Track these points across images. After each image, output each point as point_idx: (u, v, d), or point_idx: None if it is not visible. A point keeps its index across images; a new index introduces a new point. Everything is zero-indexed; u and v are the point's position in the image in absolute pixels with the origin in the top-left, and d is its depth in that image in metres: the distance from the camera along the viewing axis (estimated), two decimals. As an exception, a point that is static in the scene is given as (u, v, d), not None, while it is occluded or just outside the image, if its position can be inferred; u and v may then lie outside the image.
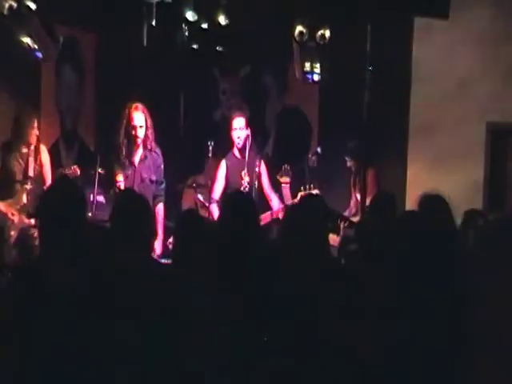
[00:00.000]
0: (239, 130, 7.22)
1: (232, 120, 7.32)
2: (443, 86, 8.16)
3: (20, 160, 6.90)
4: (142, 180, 6.81)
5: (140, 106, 6.84)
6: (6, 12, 6.58)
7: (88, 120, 8.93)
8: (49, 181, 6.97)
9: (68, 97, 8.73)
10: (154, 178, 6.87)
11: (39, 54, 6.96)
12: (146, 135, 6.81)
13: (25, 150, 6.89)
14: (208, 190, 7.25)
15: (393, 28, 7.70)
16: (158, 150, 6.96)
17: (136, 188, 6.64)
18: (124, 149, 6.79)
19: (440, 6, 6.95)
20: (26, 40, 6.80)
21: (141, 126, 6.77)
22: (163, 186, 7.03)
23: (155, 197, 6.91)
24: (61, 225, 3.31)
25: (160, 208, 6.95)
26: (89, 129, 8.94)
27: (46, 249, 3.37)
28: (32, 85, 8.13)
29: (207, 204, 7.20)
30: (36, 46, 6.85)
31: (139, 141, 6.78)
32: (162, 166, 7.00)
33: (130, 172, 6.82)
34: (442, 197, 4.65)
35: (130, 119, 6.76)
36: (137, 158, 6.85)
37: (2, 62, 7.44)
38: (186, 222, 4.18)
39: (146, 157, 6.84)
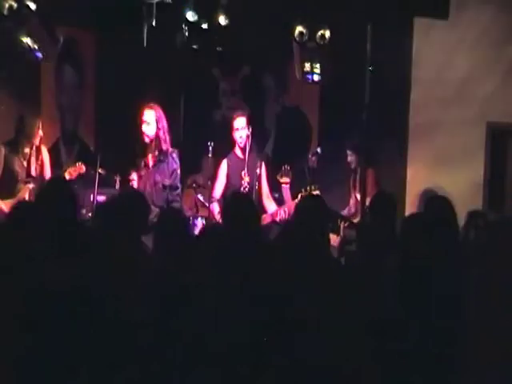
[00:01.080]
0: (241, 129, 7.21)
1: (233, 120, 7.31)
2: (443, 86, 8.16)
3: (23, 160, 6.93)
4: (155, 183, 6.69)
5: (154, 105, 6.78)
6: (6, 12, 6.59)
7: (88, 120, 8.93)
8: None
9: (68, 97, 8.74)
10: (167, 182, 6.71)
11: (39, 54, 6.97)
12: (157, 135, 6.69)
13: (27, 150, 6.92)
14: (208, 189, 7.25)
15: (393, 28, 7.70)
16: (175, 155, 6.83)
17: (148, 190, 6.59)
18: (137, 148, 6.73)
19: (440, 6, 6.96)
20: (26, 40, 6.81)
21: (148, 123, 6.69)
22: (178, 191, 6.88)
23: (169, 202, 6.74)
24: (48, 224, 3.31)
25: None
26: (89, 129, 8.94)
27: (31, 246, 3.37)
28: (32, 85, 8.14)
29: (207, 204, 7.20)
30: (36, 46, 6.86)
31: (148, 139, 6.68)
32: (179, 171, 6.85)
33: (143, 173, 6.73)
34: (446, 198, 4.66)
35: (141, 117, 6.71)
36: (151, 160, 6.75)
37: (2, 61, 7.44)
38: (166, 221, 4.18)
39: (160, 160, 6.73)
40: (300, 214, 4.13)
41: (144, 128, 6.70)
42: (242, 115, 7.27)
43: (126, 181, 6.73)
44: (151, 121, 6.71)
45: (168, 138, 6.79)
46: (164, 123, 6.76)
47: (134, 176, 6.67)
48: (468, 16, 7.94)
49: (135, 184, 6.64)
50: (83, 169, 6.90)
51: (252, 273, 3.65)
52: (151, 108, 6.75)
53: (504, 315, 3.17)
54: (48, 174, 7.08)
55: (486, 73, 8.05)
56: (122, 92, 8.18)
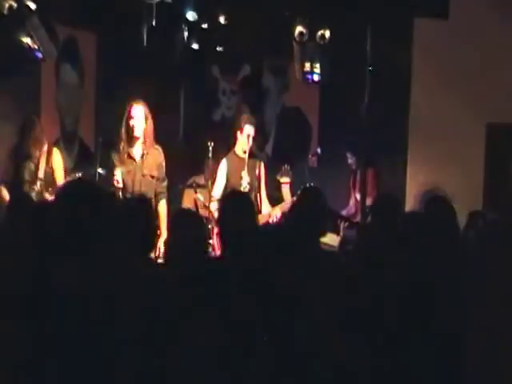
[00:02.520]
0: (250, 136, 7.18)
1: (243, 122, 7.23)
2: (443, 86, 8.16)
3: (30, 162, 6.91)
4: (143, 175, 6.74)
5: (141, 101, 6.81)
6: (6, 12, 6.59)
7: (88, 120, 8.93)
8: (60, 184, 6.95)
9: (68, 97, 8.74)
10: (155, 174, 6.80)
11: (39, 54, 6.97)
12: (145, 130, 6.75)
13: (35, 152, 6.90)
14: (208, 189, 7.26)
15: (393, 28, 7.70)
16: (159, 148, 6.91)
17: (137, 183, 6.65)
18: (123, 143, 6.73)
19: (440, 6, 6.96)
20: (26, 40, 6.81)
21: (138, 118, 6.70)
22: (165, 183, 6.94)
23: (157, 194, 6.82)
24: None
25: (162, 205, 6.87)
26: (89, 129, 8.94)
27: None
28: (32, 85, 8.14)
29: (207, 204, 7.20)
30: (36, 46, 6.86)
31: (137, 134, 6.71)
32: (164, 164, 6.91)
33: (130, 167, 6.74)
34: (446, 198, 4.66)
35: (129, 112, 6.70)
36: (137, 154, 6.78)
37: (2, 62, 7.45)
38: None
39: (147, 153, 6.78)
40: (298, 208, 4.12)
41: (132, 123, 6.70)
42: (252, 123, 7.21)
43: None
44: (140, 116, 6.73)
45: (152, 133, 6.82)
46: (150, 119, 6.79)
47: (118, 171, 6.64)
48: (468, 16, 7.94)
49: (119, 179, 6.61)
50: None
51: (250, 272, 3.65)
52: (139, 103, 6.75)
53: (504, 315, 3.17)
54: (60, 177, 7.03)
55: (485, 73, 8.05)
56: (122, 92, 8.18)
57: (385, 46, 7.33)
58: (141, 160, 6.76)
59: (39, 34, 6.81)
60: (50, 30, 6.92)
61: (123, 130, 6.71)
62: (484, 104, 8.05)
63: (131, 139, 6.74)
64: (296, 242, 3.89)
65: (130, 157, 6.75)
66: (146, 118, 6.76)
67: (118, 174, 6.61)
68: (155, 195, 6.78)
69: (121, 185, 6.58)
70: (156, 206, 6.74)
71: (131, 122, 6.68)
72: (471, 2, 7.97)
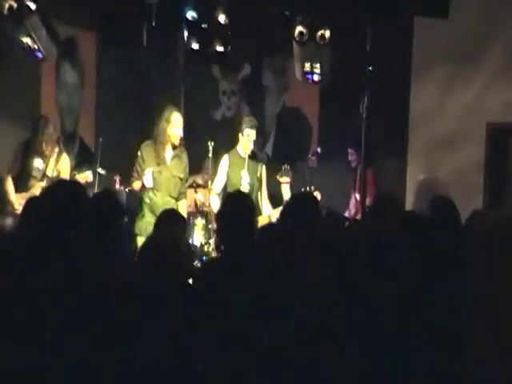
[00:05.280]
0: (252, 141, 7.24)
1: (244, 125, 7.25)
2: (443, 86, 8.16)
3: (40, 159, 7.07)
4: (173, 177, 6.97)
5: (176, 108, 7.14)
6: (5, 12, 6.60)
7: (88, 120, 8.94)
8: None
9: (68, 97, 8.75)
10: (182, 176, 7.04)
11: (39, 54, 6.98)
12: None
13: (46, 151, 7.03)
14: (208, 189, 7.27)
15: (393, 28, 7.70)
16: (184, 150, 7.13)
17: (165, 183, 6.88)
18: (158, 146, 6.92)
19: (440, 6, 6.94)
20: (26, 40, 6.82)
21: (179, 126, 6.97)
22: (187, 184, 7.23)
23: (180, 193, 7.06)
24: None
25: (183, 204, 7.12)
26: (89, 129, 8.95)
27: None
28: (32, 85, 8.15)
29: (207, 204, 7.21)
30: (36, 46, 6.87)
31: (178, 140, 6.97)
32: (187, 166, 7.13)
33: (162, 168, 6.90)
34: (450, 198, 4.66)
35: (171, 119, 6.90)
36: (168, 156, 6.99)
37: (2, 62, 7.45)
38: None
39: (177, 155, 7.03)
40: (290, 211, 4.11)
41: (174, 129, 6.92)
42: (253, 127, 7.25)
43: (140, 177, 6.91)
44: (180, 123, 7.00)
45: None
46: None
47: (148, 171, 6.81)
48: (468, 16, 7.94)
49: (151, 179, 6.79)
50: (90, 178, 7.04)
51: (249, 272, 3.65)
52: (178, 111, 7.07)
53: (505, 315, 3.17)
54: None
55: (485, 73, 8.05)
56: (122, 92, 8.19)
57: (385, 45, 7.33)
58: (171, 162, 6.99)
59: (39, 34, 6.81)
60: (50, 30, 6.93)
61: (160, 134, 6.92)
62: (484, 104, 8.05)
63: (167, 143, 6.95)
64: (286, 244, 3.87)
65: (163, 159, 6.94)
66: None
67: (149, 174, 6.81)
68: (178, 195, 7.04)
69: (151, 184, 6.81)
70: (177, 205, 6.98)
71: (173, 129, 6.93)
72: (471, 2, 7.97)
